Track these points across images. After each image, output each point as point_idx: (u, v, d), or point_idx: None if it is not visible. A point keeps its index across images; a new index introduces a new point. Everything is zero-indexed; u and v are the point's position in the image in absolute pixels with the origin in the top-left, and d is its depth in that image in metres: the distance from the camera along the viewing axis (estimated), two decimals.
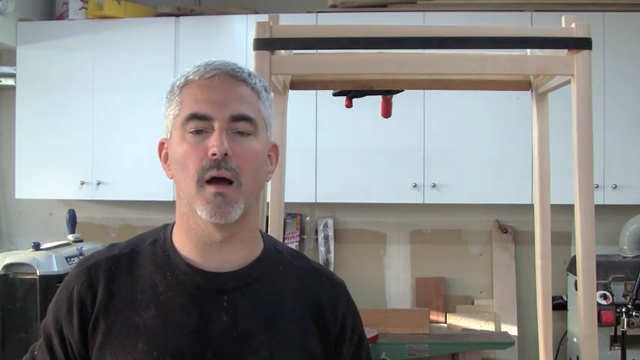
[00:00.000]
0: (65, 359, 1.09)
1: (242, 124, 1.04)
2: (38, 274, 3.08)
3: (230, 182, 1.02)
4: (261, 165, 1.08)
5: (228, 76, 1.06)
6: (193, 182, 1.02)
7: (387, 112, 2.11)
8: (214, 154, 1.01)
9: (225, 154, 1.01)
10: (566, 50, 1.52)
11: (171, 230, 1.12)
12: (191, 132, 1.03)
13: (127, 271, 1.09)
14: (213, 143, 1.01)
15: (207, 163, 1.01)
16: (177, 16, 3.59)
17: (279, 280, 1.12)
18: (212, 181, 1.02)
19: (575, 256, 2.61)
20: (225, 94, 1.05)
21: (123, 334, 1.05)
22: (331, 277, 1.19)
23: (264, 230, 1.38)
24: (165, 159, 1.11)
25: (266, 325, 1.07)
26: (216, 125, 1.03)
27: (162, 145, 1.11)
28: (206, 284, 1.06)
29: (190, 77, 1.06)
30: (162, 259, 1.09)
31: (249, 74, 1.09)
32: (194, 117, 1.03)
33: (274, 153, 1.14)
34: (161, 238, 1.12)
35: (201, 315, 1.05)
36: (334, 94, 2.03)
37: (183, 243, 1.09)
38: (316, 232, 3.84)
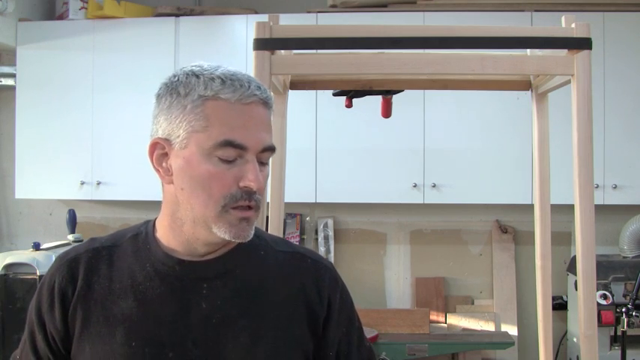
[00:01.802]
0: (50, 355, 1.09)
1: (267, 154, 1.05)
2: (38, 274, 3.08)
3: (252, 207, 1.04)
4: None
5: (261, 102, 1.04)
6: (217, 206, 1.02)
7: (387, 112, 2.11)
8: (247, 187, 1.01)
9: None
10: (566, 50, 1.52)
11: (153, 225, 1.13)
12: (221, 158, 1.01)
13: (106, 264, 1.09)
14: (250, 177, 1.01)
15: (237, 193, 1.01)
16: (177, 16, 3.59)
17: (261, 265, 1.12)
18: (239, 207, 1.02)
19: (575, 256, 2.61)
20: (258, 123, 1.03)
21: (101, 324, 1.05)
22: (316, 259, 1.18)
23: (263, 229, 1.38)
24: (159, 161, 1.06)
25: (247, 311, 1.07)
26: (249, 157, 1.02)
27: (156, 145, 1.05)
28: (185, 273, 1.07)
29: (223, 96, 1.01)
30: (143, 251, 1.09)
31: (271, 97, 1.07)
32: (229, 144, 1.00)
33: None
34: (143, 232, 1.12)
35: (181, 304, 1.05)
36: (334, 94, 2.03)
37: (169, 239, 1.09)
38: (316, 232, 3.84)
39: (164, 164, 1.06)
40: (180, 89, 1.03)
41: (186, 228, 1.06)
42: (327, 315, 1.12)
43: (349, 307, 1.18)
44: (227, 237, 1.03)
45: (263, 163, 1.05)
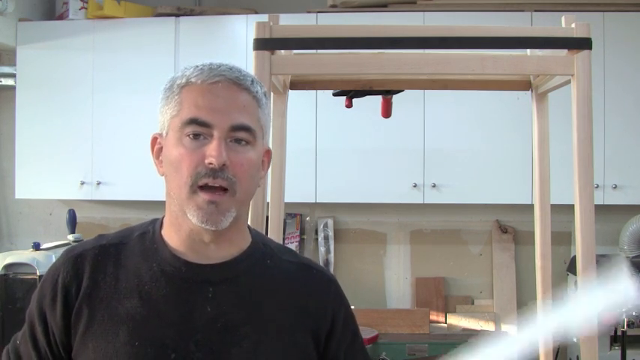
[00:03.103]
0: (48, 348, 1.09)
1: (241, 134, 1.04)
2: (38, 274, 3.08)
3: (224, 190, 1.02)
4: (255, 174, 1.08)
5: (231, 83, 1.05)
6: (186, 187, 1.02)
7: (387, 112, 2.11)
8: (211, 164, 1.00)
9: (223, 165, 1.01)
10: (566, 50, 1.52)
11: (161, 224, 1.13)
12: (189, 136, 1.03)
13: (113, 262, 1.09)
14: (212, 153, 1.00)
15: (202, 170, 1.01)
16: (177, 16, 3.59)
17: (267, 274, 1.12)
18: (205, 187, 1.02)
19: (575, 256, 2.61)
20: (227, 102, 1.04)
21: (105, 323, 1.05)
22: (321, 271, 1.18)
23: (263, 230, 1.38)
24: (157, 154, 1.10)
25: (251, 317, 1.07)
26: (215, 134, 1.02)
27: (155, 140, 1.10)
28: (192, 276, 1.07)
29: (192, 79, 1.05)
30: (150, 251, 1.09)
31: (252, 81, 1.08)
32: (193, 122, 1.02)
33: (267, 158, 1.14)
34: (150, 231, 1.13)
35: (185, 306, 1.05)
36: (334, 94, 2.03)
37: (172, 237, 1.10)
38: (316, 232, 3.84)
39: (160, 157, 1.09)
40: (167, 85, 1.08)
41: (180, 220, 1.07)
42: (330, 329, 1.13)
43: (352, 323, 1.19)
44: (196, 221, 1.02)
45: (239, 143, 1.04)
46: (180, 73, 1.07)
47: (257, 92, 1.07)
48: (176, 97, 1.05)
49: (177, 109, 1.05)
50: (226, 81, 1.04)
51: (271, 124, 1.82)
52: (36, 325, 1.10)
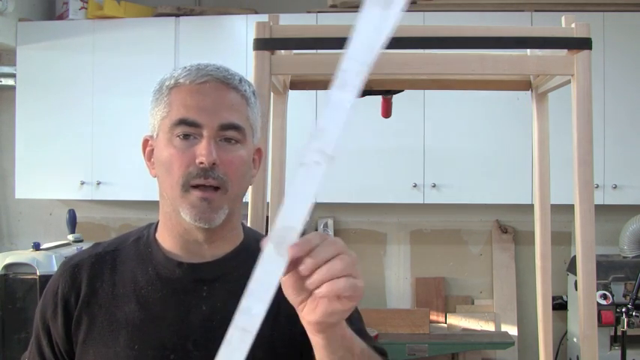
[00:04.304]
0: (54, 359, 1.11)
1: (231, 133, 1.04)
2: (38, 274, 3.08)
3: (216, 188, 1.03)
4: (246, 171, 1.09)
5: (219, 82, 1.05)
6: (178, 186, 1.03)
7: (387, 112, 2.11)
8: (202, 163, 1.01)
9: (213, 164, 1.01)
10: (566, 50, 1.52)
11: (155, 228, 1.14)
12: (179, 136, 1.03)
13: (110, 268, 1.11)
14: (202, 152, 1.01)
15: (194, 169, 1.02)
16: (177, 16, 3.59)
17: None
18: (198, 186, 1.02)
19: (575, 256, 2.61)
20: (216, 101, 1.04)
21: (105, 329, 1.06)
22: None
23: (263, 230, 1.38)
24: (149, 157, 1.11)
25: None
26: (205, 133, 1.02)
27: (146, 142, 1.11)
28: (186, 276, 1.08)
29: (181, 80, 1.05)
30: (145, 254, 1.11)
31: (240, 80, 1.08)
32: (183, 122, 1.03)
33: (258, 157, 1.14)
34: (145, 235, 1.14)
35: (181, 306, 1.06)
36: None
37: (165, 239, 1.11)
38: None
39: (152, 159, 1.10)
40: (156, 86, 1.09)
41: (173, 220, 1.07)
42: None
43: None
44: (189, 219, 1.03)
45: (229, 142, 1.04)
46: (169, 74, 1.08)
47: (245, 91, 1.08)
48: (165, 99, 1.06)
49: (166, 110, 1.05)
50: (214, 80, 1.05)
51: (270, 123, 1.83)
52: (41, 338, 1.11)
